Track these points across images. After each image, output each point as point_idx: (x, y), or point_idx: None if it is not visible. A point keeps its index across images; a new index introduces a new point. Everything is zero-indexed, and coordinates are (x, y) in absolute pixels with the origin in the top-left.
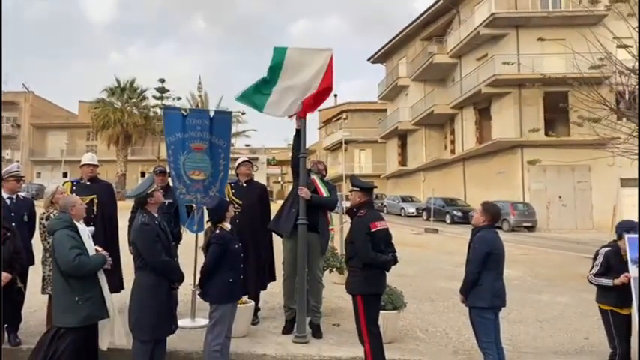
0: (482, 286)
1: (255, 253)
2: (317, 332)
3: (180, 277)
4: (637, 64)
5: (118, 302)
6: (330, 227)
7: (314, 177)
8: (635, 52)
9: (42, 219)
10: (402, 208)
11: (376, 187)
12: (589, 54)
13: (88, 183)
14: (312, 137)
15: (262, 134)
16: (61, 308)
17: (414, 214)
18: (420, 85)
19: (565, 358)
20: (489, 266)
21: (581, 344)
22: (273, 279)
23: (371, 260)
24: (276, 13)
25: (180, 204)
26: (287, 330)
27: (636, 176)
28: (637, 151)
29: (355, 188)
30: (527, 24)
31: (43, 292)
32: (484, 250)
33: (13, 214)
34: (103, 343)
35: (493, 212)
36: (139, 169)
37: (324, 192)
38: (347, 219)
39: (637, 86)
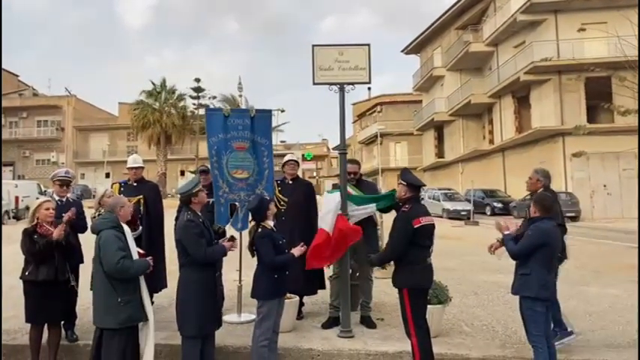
0: (531, 275)
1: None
2: (370, 324)
3: (224, 252)
4: None
5: (167, 299)
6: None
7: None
8: None
9: (94, 218)
10: None
11: (424, 185)
12: (633, 37)
13: (135, 184)
14: (346, 131)
15: (297, 130)
16: (103, 309)
17: None
18: (456, 75)
19: (617, 352)
20: (540, 258)
21: (634, 337)
22: (323, 287)
23: (396, 257)
24: (306, 11)
25: (217, 203)
26: (327, 326)
27: None
28: None
29: (402, 182)
30: (566, 8)
31: (91, 289)
32: (537, 241)
33: (63, 215)
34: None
35: (542, 202)
36: (179, 167)
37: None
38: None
39: None
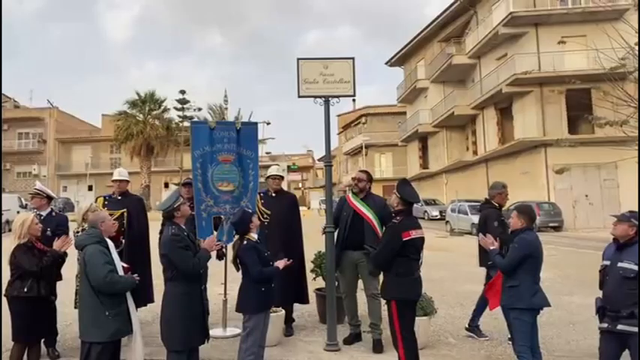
0: (520, 287)
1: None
2: (377, 347)
3: (209, 256)
4: None
5: (151, 313)
6: None
7: (352, 199)
8: None
9: (77, 233)
10: (425, 211)
11: (419, 201)
12: (611, 49)
13: (119, 197)
14: (332, 143)
15: (283, 141)
16: (90, 323)
17: (438, 217)
18: (440, 86)
19: None
20: (528, 269)
21: None
22: (305, 301)
23: (379, 265)
24: (289, 25)
25: (198, 217)
26: (348, 341)
27: None
28: None
29: (397, 194)
30: (546, 21)
31: (75, 307)
32: (524, 252)
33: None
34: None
35: (529, 213)
36: (163, 180)
37: (367, 214)
38: None
39: None
